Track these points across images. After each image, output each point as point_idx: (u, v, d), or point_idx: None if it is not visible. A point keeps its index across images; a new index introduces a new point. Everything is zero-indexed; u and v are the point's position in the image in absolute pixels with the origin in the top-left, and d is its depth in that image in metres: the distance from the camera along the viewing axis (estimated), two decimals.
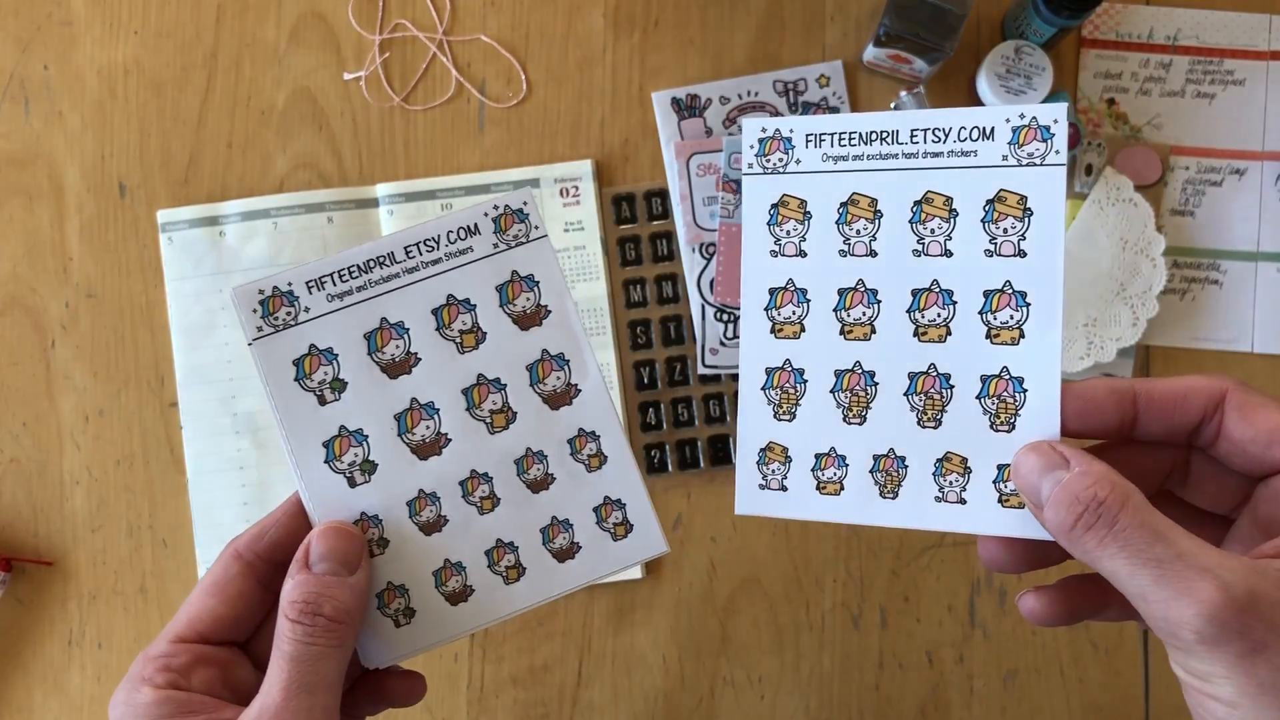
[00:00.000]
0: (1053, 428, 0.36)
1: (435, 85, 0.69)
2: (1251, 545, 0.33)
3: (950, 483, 0.37)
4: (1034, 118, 0.37)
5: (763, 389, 0.40)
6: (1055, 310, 0.37)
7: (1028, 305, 0.37)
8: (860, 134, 0.39)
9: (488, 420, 0.41)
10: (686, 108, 0.68)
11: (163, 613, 0.68)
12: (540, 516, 0.42)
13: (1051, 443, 0.34)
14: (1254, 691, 0.28)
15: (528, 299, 0.42)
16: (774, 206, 0.40)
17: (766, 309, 0.40)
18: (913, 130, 0.38)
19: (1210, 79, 0.68)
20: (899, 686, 0.67)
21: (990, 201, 0.37)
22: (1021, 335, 0.37)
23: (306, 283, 0.40)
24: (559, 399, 0.42)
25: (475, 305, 0.41)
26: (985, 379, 0.37)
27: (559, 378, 0.42)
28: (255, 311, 0.40)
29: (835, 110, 0.67)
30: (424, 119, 0.69)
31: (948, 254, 0.38)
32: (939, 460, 0.38)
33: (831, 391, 0.39)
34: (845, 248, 0.39)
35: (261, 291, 0.40)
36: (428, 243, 0.41)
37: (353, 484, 0.41)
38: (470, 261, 0.41)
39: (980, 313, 0.38)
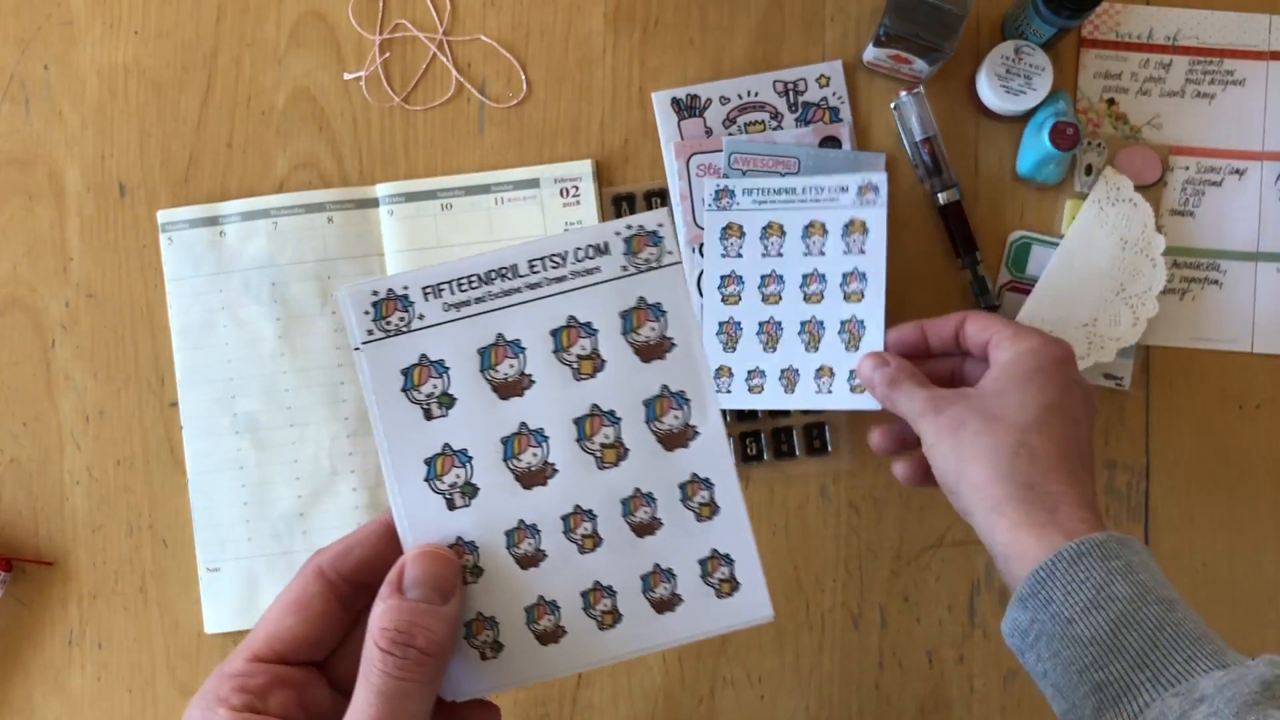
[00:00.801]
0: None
1: (435, 85, 0.69)
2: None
3: (825, 383, 0.61)
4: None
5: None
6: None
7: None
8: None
9: (598, 454, 0.39)
10: (686, 108, 0.68)
11: (162, 612, 0.68)
12: (643, 563, 0.39)
13: (880, 352, 0.59)
14: (944, 436, 0.50)
15: (652, 329, 0.39)
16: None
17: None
18: (530, 261, 0.39)
19: (1210, 79, 0.68)
20: (899, 686, 0.67)
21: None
22: (693, 432, 0.40)
23: (423, 288, 0.38)
24: (675, 440, 0.39)
25: (597, 330, 0.39)
26: (681, 485, 0.40)
27: (677, 417, 0.39)
28: (367, 314, 0.38)
29: (835, 111, 0.67)
30: (424, 119, 0.69)
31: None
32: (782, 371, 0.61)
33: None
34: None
35: (375, 293, 0.38)
36: (553, 258, 0.39)
37: (451, 506, 0.38)
38: (596, 283, 0.39)
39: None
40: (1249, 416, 0.67)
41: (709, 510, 0.40)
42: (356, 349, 0.38)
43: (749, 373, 0.62)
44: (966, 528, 0.51)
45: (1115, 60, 0.68)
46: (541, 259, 0.39)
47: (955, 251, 0.67)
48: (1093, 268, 0.65)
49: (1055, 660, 0.43)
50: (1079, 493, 0.47)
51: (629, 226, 0.39)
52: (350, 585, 0.39)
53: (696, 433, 0.40)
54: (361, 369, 0.38)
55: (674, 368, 0.39)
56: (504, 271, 0.38)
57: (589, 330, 0.39)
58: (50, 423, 0.69)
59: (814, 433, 0.67)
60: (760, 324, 0.62)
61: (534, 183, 0.68)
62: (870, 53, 0.66)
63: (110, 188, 0.69)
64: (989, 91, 0.65)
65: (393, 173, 0.69)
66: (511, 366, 0.39)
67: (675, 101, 0.68)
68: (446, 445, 0.38)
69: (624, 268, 0.39)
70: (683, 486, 0.40)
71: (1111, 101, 0.68)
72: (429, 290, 0.38)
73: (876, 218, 0.60)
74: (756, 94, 0.68)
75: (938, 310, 0.59)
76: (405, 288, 0.38)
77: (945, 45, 0.62)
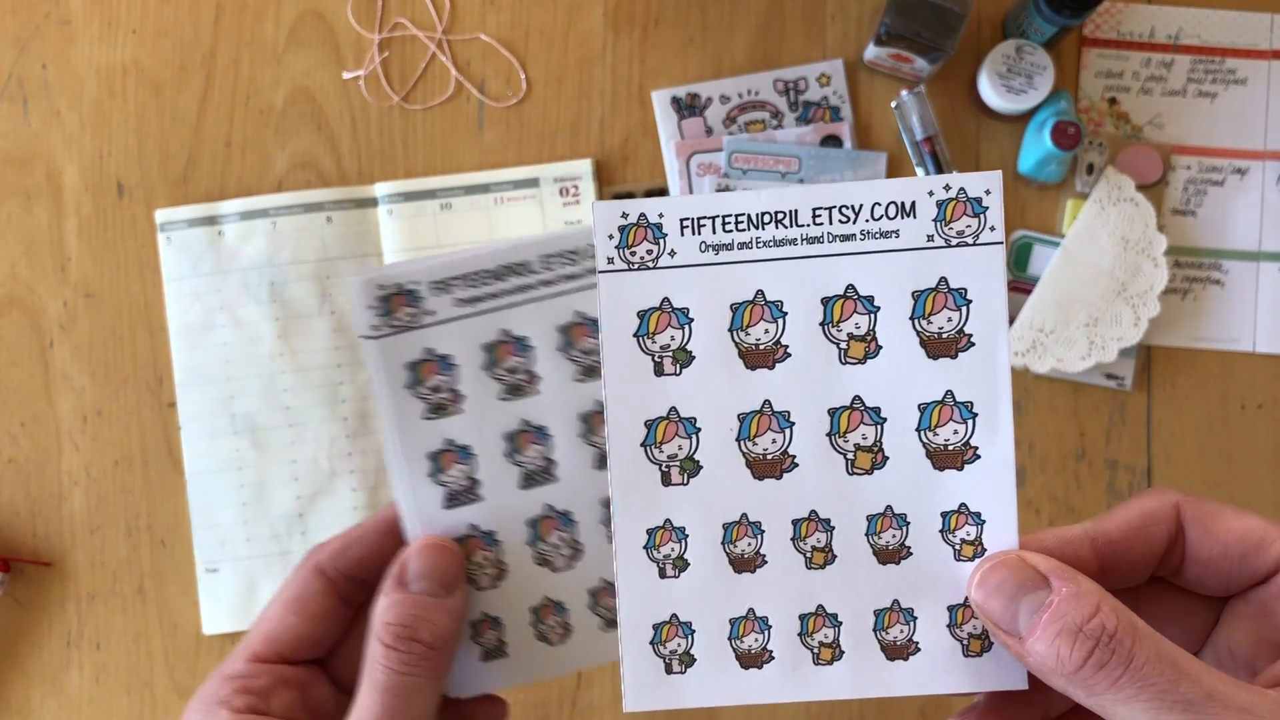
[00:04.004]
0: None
1: (434, 84, 0.69)
2: (1234, 672, 0.29)
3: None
4: (961, 189, 0.32)
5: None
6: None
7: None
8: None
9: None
10: (686, 107, 0.68)
11: (161, 613, 0.68)
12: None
13: (1020, 553, 0.28)
14: None
15: (950, 319, 0.32)
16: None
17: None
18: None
19: (1212, 78, 0.68)
20: None
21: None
22: (973, 454, 0.32)
23: (432, 283, 0.37)
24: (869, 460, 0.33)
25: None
26: (943, 514, 0.32)
27: (957, 432, 0.32)
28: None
29: (835, 110, 0.67)
30: (423, 118, 0.69)
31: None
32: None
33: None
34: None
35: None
36: (568, 255, 0.37)
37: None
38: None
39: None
40: (1251, 416, 0.67)
41: (970, 549, 0.32)
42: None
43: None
44: None
45: (1117, 59, 0.68)
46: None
47: None
48: (1094, 267, 0.65)
49: None
50: None
51: (937, 188, 0.32)
52: (350, 582, 0.38)
53: (977, 455, 0.32)
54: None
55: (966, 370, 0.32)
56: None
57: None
58: (48, 423, 0.68)
59: None
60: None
61: (534, 182, 0.68)
62: (871, 52, 0.65)
63: (108, 187, 0.69)
64: (990, 91, 0.64)
65: (392, 172, 0.69)
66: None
67: (675, 100, 0.68)
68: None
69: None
70: (945, 515, 0.32)
71: (1113, 101, 0.68)
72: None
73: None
74: (757, 93, 0.67)
75: None
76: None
77: (946, 44, 0.62)
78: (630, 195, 0.67)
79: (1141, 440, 0.67)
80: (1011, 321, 0.65)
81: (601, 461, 0.38)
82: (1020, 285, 0.67)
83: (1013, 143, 0.67)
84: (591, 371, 0.37)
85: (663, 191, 0.67)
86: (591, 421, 0.38)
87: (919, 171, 0.66)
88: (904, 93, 0.66)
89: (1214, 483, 0.67)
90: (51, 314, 0.69)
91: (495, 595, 0.38)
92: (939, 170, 0.65)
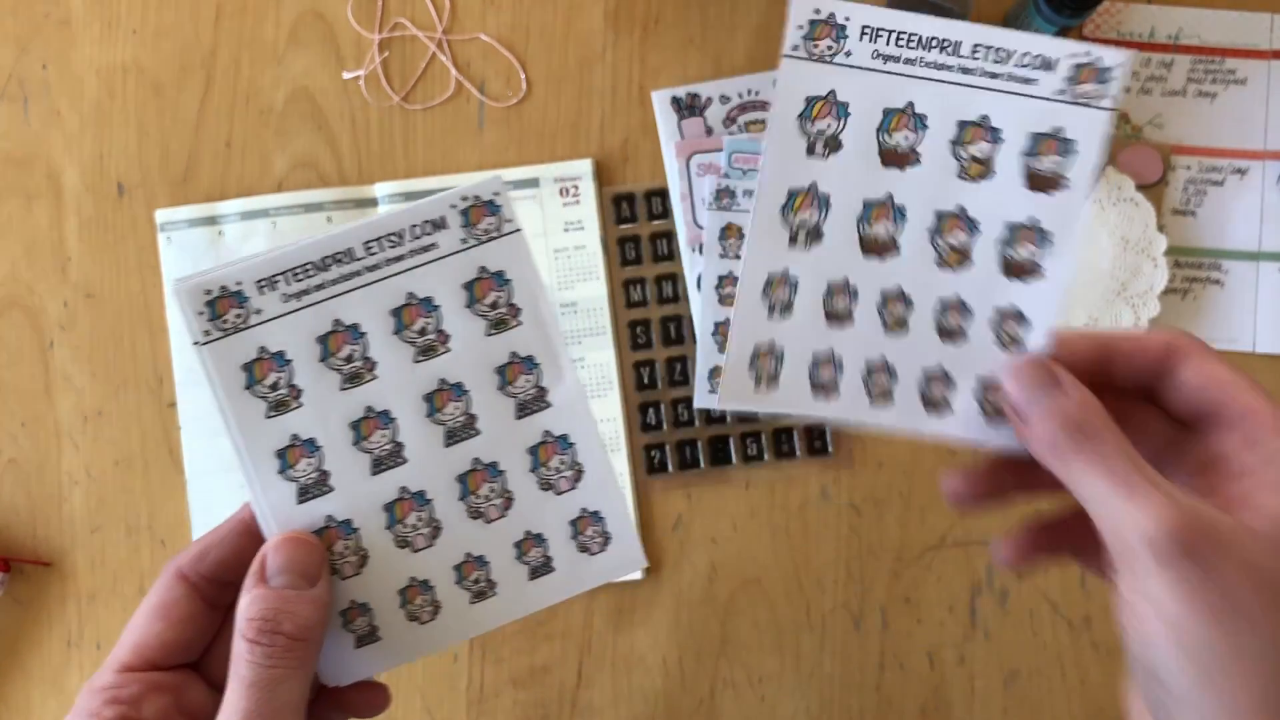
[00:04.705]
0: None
1: (435, 84, 0.69)
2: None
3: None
4: (475, 196, 0.38)
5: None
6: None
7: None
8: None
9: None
10: (686, 107, 0.68)
11: None
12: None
13: (1045, 360, 0.35)
14: (1199, 610, 0.29)
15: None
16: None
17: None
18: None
19: (1212, 78, 0.68)
20: (900, 687, 0.67)
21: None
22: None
23: (258, 281, 0.37)
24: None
25: (439, 305, 0.38)
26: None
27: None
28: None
29: None
30: (423, 118, 0.69)
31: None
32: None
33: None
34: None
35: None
36: (390, 238, 0.38)
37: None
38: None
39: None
40: None
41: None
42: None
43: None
44: (968, 528, 0.50)
45: None
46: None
47: None
48: (1094, 267, 0.65)
49: None
50: None
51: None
52: (213, 584, 0.39)
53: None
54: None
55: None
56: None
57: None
58: (48, 423, 0.68)
59: (814, 433, 0.67)
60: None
61: (534, 182, 0.68)
62: None
63: (109, 187, 0.69)
64: None
65: (392, 172, 0.69)
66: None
67: (675, 100, 0.68)
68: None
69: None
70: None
71: None
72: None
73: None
74: (757, 93, 0.67)
75: None
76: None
77: None
78: (630, 195, 0.68)
79: None
80: None
81: (450, 438, 0.39)
82: None
83: None
84: (430, 350, 0.38)
85: (663, 191, 0.67)
86: (434, 400, 0.39)
87: None
88: None
89: None
90: (52, 314, 0.69)
91: (360, 582, 0.39)
92: None
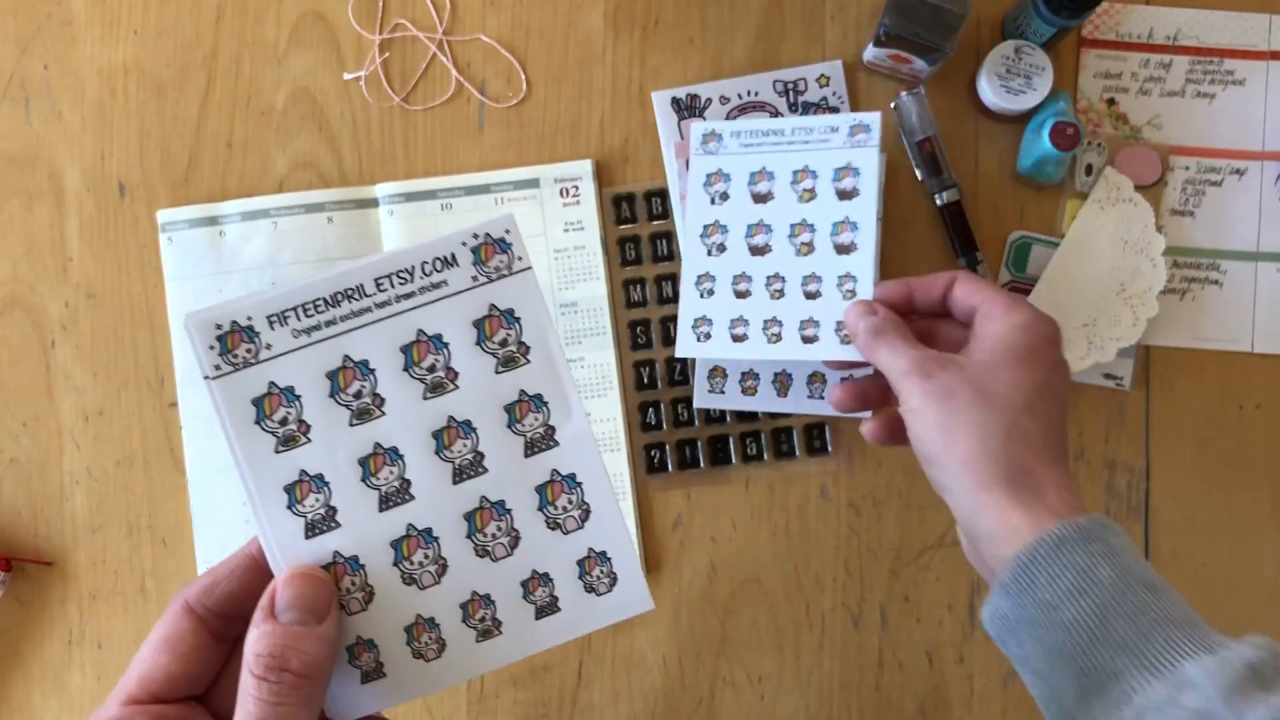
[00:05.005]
0: (868, 295, 0.55)
1: (435, 85, 0.69)
2: None
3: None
4: (486, 234, 0.39)
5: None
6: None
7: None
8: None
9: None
10: (686, 108, 0.68)
11: (162, 613, 0.68)
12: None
13: (867, 301, 0.55)
14: (931, 400, 0.47)
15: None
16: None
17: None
18: (376, 279, 0.38)
19: (1210, 79, 0.68)
20: (899, 686, 0.67)
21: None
22: (552, 434, 0.40)
23: (268, 317, 0.37)
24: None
25: (448, 343, 0.39)
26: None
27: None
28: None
29: (835, 110, 0.67)
30: (424, 119, 0.69)
31: (452, 387, 0.39)
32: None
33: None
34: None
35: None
36: (400, 275, 0.38)
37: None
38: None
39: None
40: (1249, 416, 0.67)
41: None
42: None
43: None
44: None
45: (1115, 60, 0.68)
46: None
47: (955, 251, 0.66)
48: (1093, 267, 0.65)
49: (1038, 646, 0.42)
50: (1063, 476, 0.47)
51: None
52: (220, 618, 0.39)
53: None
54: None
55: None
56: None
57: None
58: (50, 423, 0.69)
59: (814, 433, 0.67)
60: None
61: (534, 182, 0.68)
62: (870, 52, 0.65)
63: (110, 188, 0.69)
64: (989, 91, 0.65)
65: (392, 172, 0.69)
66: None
67: (675, 101, 0.68)
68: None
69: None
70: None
71: (1112, 101, 0.68)
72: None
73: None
74: (756, 93, 0.68)
75: None
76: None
77: (945, 45, 0.62)
78: (630, 196, 0.68)
79: (1140, 440, 0.67)
80: None
81: (458, 476, 0.39)
82: (1019, 285, 0.67)
83: (1011, 143, 0.68)
84: (439, 387, 0.39)
85: (663, 192, 0.68)
86: (443, 438, 0.39)
87: (917, 171, 0.66)
88: (903, 93, 0.66)
89: (1212, 482, 0.67)
90: (53, 314, 0.69)
91: (367, 618, 0.39)
92: (937, 170, 0.65)
